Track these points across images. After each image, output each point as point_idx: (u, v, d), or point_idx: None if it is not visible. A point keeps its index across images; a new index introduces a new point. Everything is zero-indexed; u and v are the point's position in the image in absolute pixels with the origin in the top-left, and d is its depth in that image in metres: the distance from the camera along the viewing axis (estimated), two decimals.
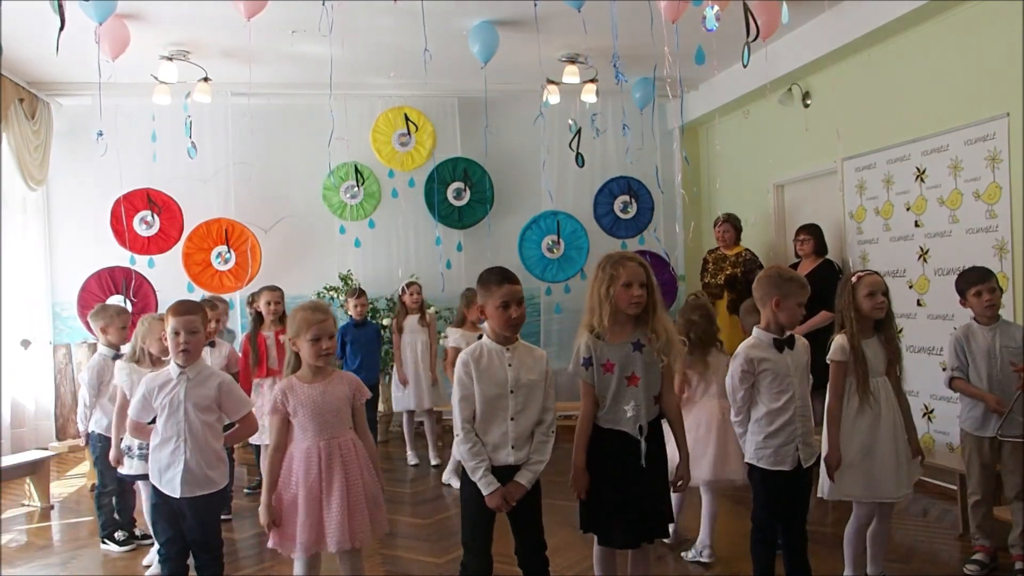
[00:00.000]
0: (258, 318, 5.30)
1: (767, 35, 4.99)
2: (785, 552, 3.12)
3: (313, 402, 2.87)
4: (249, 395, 4.86)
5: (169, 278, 6.79)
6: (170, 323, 3.01)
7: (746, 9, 4.56)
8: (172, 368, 3.06)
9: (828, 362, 3.25)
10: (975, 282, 3.64)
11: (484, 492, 2.68)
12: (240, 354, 5.18)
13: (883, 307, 3.21)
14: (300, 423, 2.88)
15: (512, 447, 2.73)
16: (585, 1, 4.62)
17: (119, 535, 4.28)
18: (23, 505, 5.28)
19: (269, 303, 5.18)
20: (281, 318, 5.11)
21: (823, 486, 3.27)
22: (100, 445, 4.24)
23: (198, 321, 3.05)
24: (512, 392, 2.74)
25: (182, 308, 3.06)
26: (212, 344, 4.99)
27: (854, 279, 3.25)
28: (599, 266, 2.85)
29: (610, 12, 4.73)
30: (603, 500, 2.81)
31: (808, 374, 3.13)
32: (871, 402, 3.17)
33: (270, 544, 2.91)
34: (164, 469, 3.01)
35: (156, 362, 4.06)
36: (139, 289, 6.73)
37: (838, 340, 3.23)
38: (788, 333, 3.09)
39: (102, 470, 4.26)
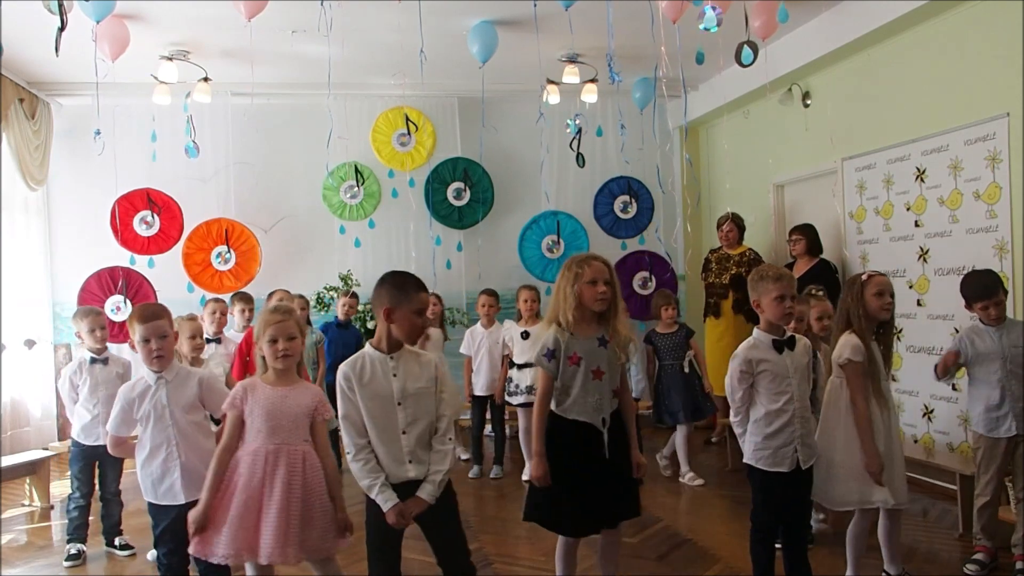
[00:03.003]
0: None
1: (766, 35, 4.99)
2: (785, 552, 3.11)
3: (272, 404, 2.76)
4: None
5: (169, 278, 6.79)
6: (138, 331, 2.91)
7: (745, 15, 4.57)
8: (148, 375, 2.97)
9: (841, 363, 3.17)
10: (981, 297, 3.62)
11: (383, 508, 2.55)
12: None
13: (889, 308, 3.18)
14: (254, 424, 2.76)
15: (409, 461, 2.61)
16: (577, 0, 4.60)
17: (70, 548, 4.13)
18: (23, 505, 5.28)
19: (281, 300, 5.16)
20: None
21: (835, 495, 3.19)
22: (74, 449, 4.18)
23: (165, 325, 2.98)
24: (400, 404, 2.61)
25: (147, 314, 2.96)
26: (219, 340, 5.00)
27: (864, 277, 3.21)
28: (565, 265, 2.95)
29: (607, 12, 4.73)
30: (561, 489, 2.85)
31: (809, 375, 3.10)
32: (885, 404, 3.16)
33: (192, 550, 2.71)
34: (158, 481, 2.93)
35: (194, 361, 4.09)
36: (139, 289, 6.74)
37: (849, 340, 3.16)
38: (788, 334, 3.07)
39: (73, 477, 4.19)
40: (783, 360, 3.01)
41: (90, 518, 4.23)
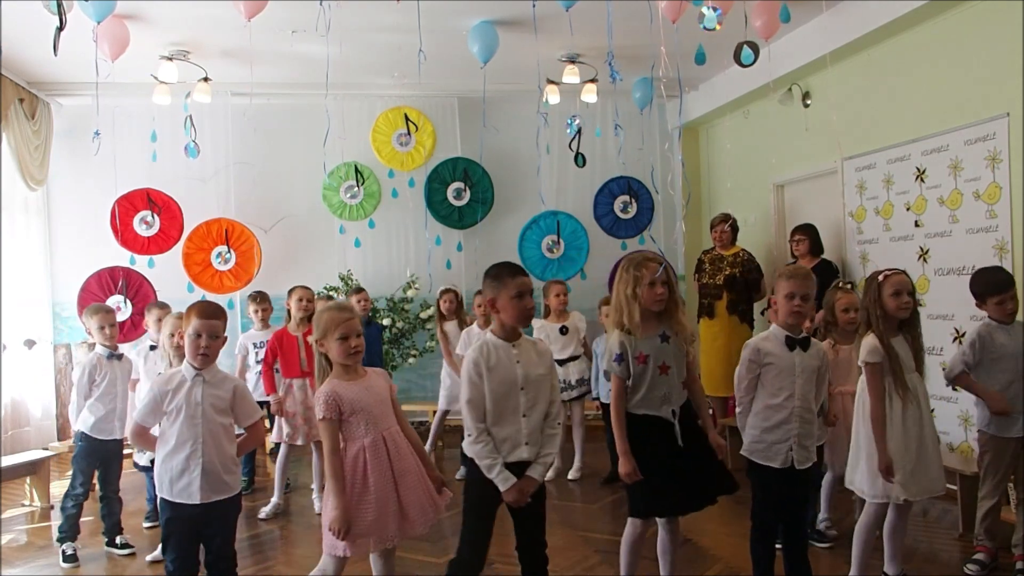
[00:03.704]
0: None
1: (768, 35, 4.99)
2: (785, 552, 3.12)
3: (364, 398, 2.87)
4: (272, 392, 4.90)
5: (169, 278, 6.79)
6: (192, 324, 2.94)
7: (745, 16, 4.57)
8: (187, 369, 2.98)
9: (861, 365, 3.21)
10: (997, 291, 3.58)
11: (501, 488, 2.72)
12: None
13: (908, 307, 3.16)
14: (359, 422, 2.86)
15: (526, 443, 2.78)
16: (577, 1, 4.61)
17: (66, 548, 4.13)
18: (23, 505, 5.28)
19: (301, 299, 5.07)
20: (310, 318, 5.00)
21: (865, 487, 3.24)
22: (82, 444, 4.16)
23: (221, 326, 2.99)
24: (523, 389, 2.78)
25: (208, 311, 2.99)
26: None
27: (880, 277, 3.20)
28: (622, 268, 3.03)
29: (607, 12, 4.73)
30: (652, 478, 2.95)
31: (817, 379, 3.08)
32: (911, 399, 3.16)
33: (343, 553, 2.80)
34: (177, 477, 2.91)
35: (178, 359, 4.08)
36: (139, 289, 6.74)
37: (868, 341, 3.19)
38: (803, 334, 3.07)
39: (78, 471, 4.16)
40: (791, 358, 3.03)
41: (82, 519, 4.23)
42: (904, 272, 3.26)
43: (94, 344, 4.27)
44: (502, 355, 2.79)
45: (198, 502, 2.90)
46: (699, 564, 3.83)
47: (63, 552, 4.12)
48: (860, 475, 3.24)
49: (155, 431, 3.01)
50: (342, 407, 2.84)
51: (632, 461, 2.94)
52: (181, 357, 4.06)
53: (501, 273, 2.82)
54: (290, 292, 5.19)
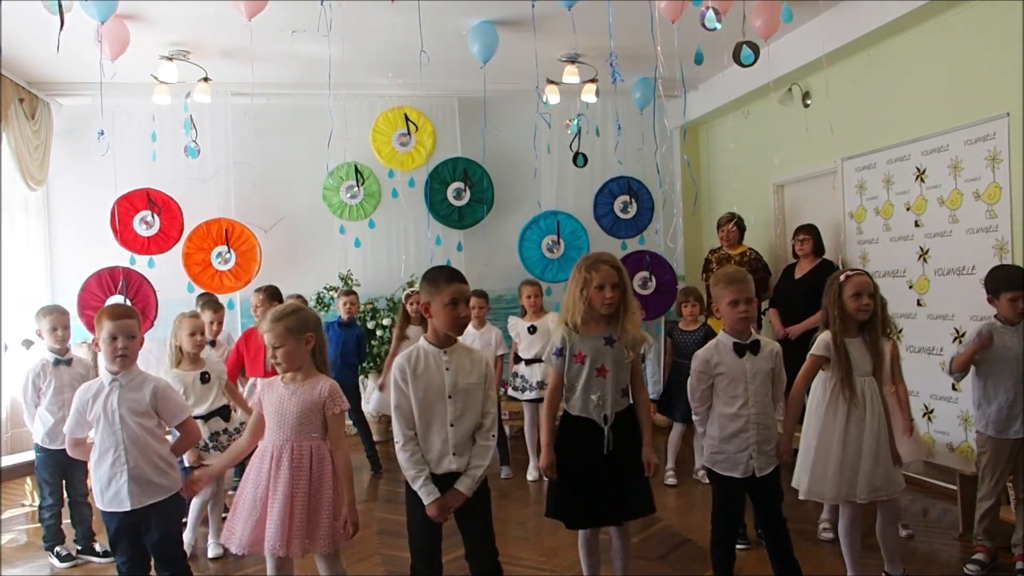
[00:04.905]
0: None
1: (768, 35, 4.99)
2: (771, 554, 3.11)
3: (280, 401, 2.84)
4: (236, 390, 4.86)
5: (169, 278, 6.78)
6: (106, 327, 2.89)
7: (744, 16, 4.57)
8: (104, 375, 2.94)
9: (808, 356, 3.25)
10: (1012, 287, 3.57)
11: (424, 501, 2.65)
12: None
13: (867, 309, 3.16)
14: (268, 420, 2.87)
15: (453, 454, 2.69)
16: (578, 0, 4.61)
17: (59, 550, 4.13)
18: (23, 505, 5.28)
19: (257, 305, 5.13)
20: None
21: (799, 484, 3.30)
22: (40, 455, 4.07)
23: (135, 325, 2.95)
24: (450, 397, 2.70)
25: (118, 312, 2.96)
26: (213, 344, 5.00)
27: (842, 278, 3.22)
28: (576, 267, 3.00)
29: (607, 12, 4.73)
30: (567, 483, 2.94)
31: (773, 380, 3.06)
32: (857, 401, 3.15)
33: (220, 539, 2.94)
34: (106, 485, 2.88)
35: (194, 360, 4.05)
36: (139, 289, 6.73)
37: (823, 336, 3.24)
38: (752, 338, 3.05)
39: (43, 483, 4.10)
40: (741, 364, 3.02)
41: (64, 522, 4.24)
42: (866, 273, 3.26)
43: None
44: (431, 362, 2.72)
45: (129, 509, 2.87)
46: (699, 564, 3.83)
47: (57, 554, 4.12)
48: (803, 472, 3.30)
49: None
50: (263, 400, 2.90)
51: (552, 456, 2.95)
52: (193, 358, 4.06)
53: (437, 278, 2.73)
54: (255, 292, 5.26)
